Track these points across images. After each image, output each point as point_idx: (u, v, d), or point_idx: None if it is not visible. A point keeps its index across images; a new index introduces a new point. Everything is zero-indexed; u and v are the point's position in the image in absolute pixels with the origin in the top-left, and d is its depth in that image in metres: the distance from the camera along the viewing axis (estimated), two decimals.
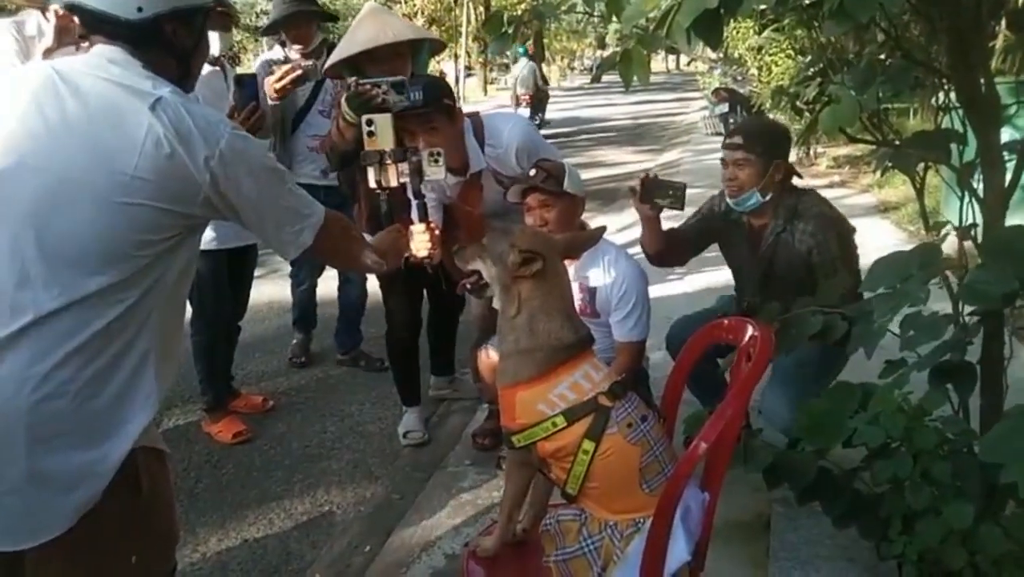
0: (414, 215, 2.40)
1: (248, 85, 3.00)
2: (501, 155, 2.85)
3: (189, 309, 3.25)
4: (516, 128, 2.91)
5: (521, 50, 14.58)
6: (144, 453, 1.42)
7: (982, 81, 1.79)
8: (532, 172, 2.54)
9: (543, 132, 14.57)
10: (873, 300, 1.81)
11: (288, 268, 4.26)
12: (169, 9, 1.42)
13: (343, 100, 2.57)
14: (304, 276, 4.13)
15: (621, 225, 7.08)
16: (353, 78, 2.53)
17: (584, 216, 2.74)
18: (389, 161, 2.22)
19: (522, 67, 13.94)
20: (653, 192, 2.54)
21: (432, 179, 2.38)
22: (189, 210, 1.39)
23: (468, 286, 1.94)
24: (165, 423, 3.60)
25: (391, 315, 3.33)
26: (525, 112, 13.11)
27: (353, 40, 2.79)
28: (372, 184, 2.25)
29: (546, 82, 15.71)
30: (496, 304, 1.85)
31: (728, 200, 2.65)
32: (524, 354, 1.77)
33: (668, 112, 18.15)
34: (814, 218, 2.53)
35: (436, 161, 2.33)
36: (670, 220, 2.76)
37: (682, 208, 2.56)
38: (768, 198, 2.55)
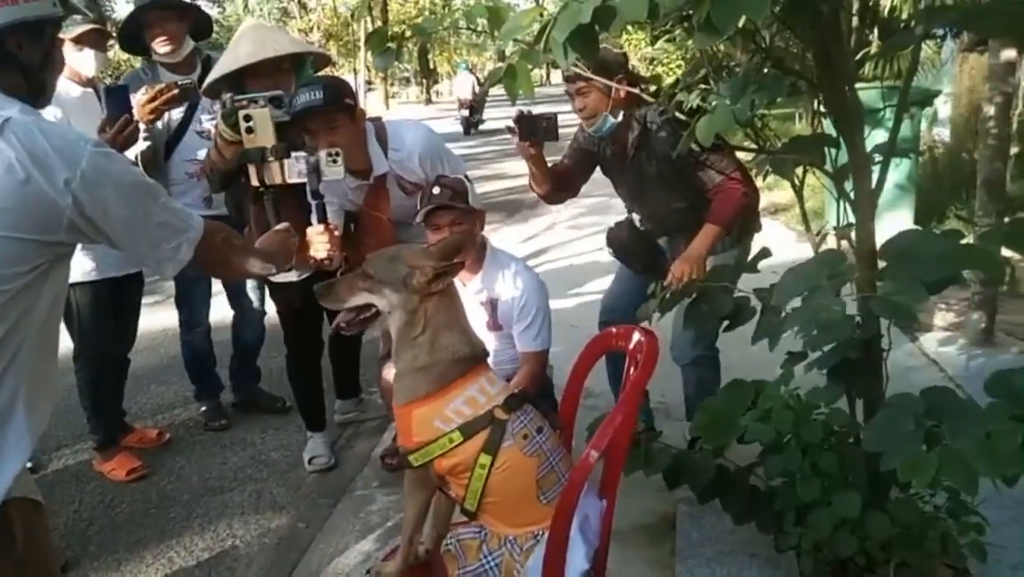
0: (313, 217, 2.35)
1: (118, 96, 2.75)
2: (404, 160, 2.82)
3: (70, 343, 3.12)
4: (418, 134, 2.89)
5: (463, 65, 21.31)
6: (17, 505, 1.32)
7: (846, 89, 1.87)
8: (436, 190, 2.50)
9: (479, 131, 16.36)
10: (788, 315, 1.87)
11: None
12: (8, 22, 1.32)
13: (219, 117, 2.49)
14: (197, 317, 3.60)
15: (525, 236, 7.16)
16: (229, 94, 2.46)
17: (489, 227, 2.75)
18: (271, 158, 2.15)
19: (463, 78, 18.97)
20: (528, 127, 2.57)
21: (331, 179, 2.33)
22: (53, 237, 1.30)
23: (343, 325, 1.88)
24: (54, 464, 3.42)
25: (290, 338, 3.24)
26: (465, 112, 17.88)
27: (234, 56, 2.72)
28: (254, 182, 2.18)
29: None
30: (392, 330, 1.81)
31: (588, 131, 2.71)
32: (421, 371, 1.75)
33: (569, 123, 18.37)
34: (664, 119, 2.58)
35: (335, 161, 2.28)
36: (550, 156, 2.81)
37: (556, 138, 2.60)
38: (621, 116, 2.59)
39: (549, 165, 2.79)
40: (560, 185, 2.85)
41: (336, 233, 2.28)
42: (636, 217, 2.94)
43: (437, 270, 1.75)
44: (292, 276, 2.98)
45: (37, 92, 1.42)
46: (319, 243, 2.27)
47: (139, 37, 3.25)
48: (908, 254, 1.75)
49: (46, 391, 1.40)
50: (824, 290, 1.79)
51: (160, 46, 3.21)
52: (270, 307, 3.71)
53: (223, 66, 2.71)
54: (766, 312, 1.96)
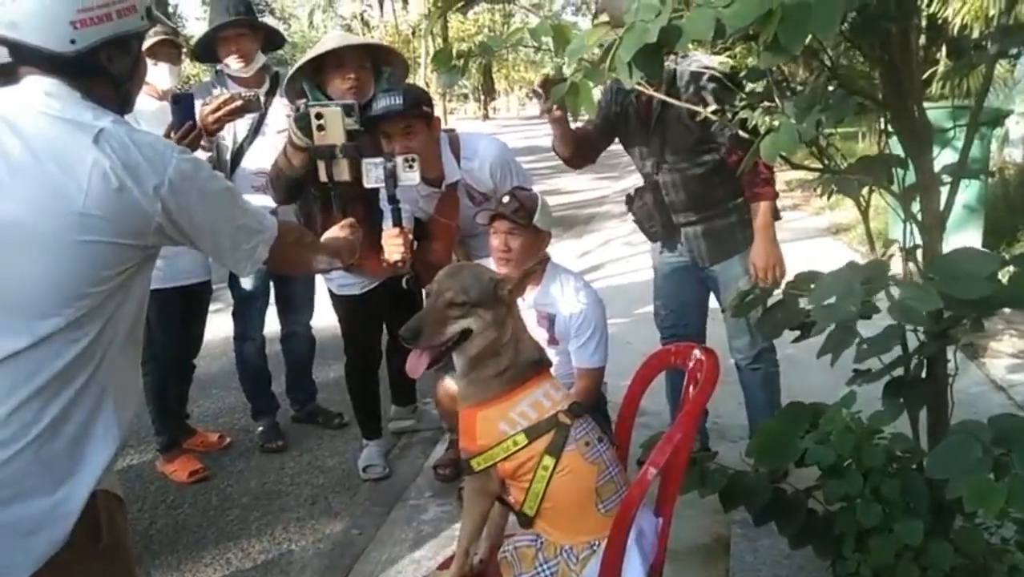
0: (387, 220, 2.45)
1: (184, 103, 2.77)
2: (475, 169, 2.89)
3: None
4: (491, 145, 2.97)
5: None
6: (105, 497, 1.38)
7: (914, 108, 1.84)
8: (506, 199, 2.54)
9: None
10: (813, 311, 1.85)
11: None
12: (103, 39, 1.37)
13: (291, 122, 2.57)
14: (250, 331, 3.61)
15: (580, 251, 7.16)
16: (302, 100, 2.54)
17: None
18: (340, 155, 2.22)
19: None
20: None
21: (406, 184, 2.41)
22: (142, 241, 1.35)
23: (428, 364, 1.78)
24: (119, 463, 3.48)
25: (350, 348, 3.30)
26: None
27: (321, 44, 2.87)
28: (323, 178, 2.24)
29: None
30: (475, 345, 1.77)
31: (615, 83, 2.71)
32: (498, 375, 1.77)
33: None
34: (692, 75, 2.58)
35: (411, 166, 2.38)
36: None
37: None
38: None
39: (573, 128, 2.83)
40: (581, 149, 2.88)
41: (409, 237, 2.33)
42: (645, 176, 2.93)
43: (523, 275, 1.80)
44: (355, 289, 3.06)
45: (123, 102, 1.48)
46: (393, 246, 2.37)
47: (212, 49, 3.32)
48: (954, 269, 1.71)
49: (132, 387, 1.47)
50: (854, 295, 1.76)
51: (232, 62, 3.29)
52: (316, 321, 3.78)
53: (309, 54, 2.84)
54: (837, 327, 1.93)
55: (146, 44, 3.01)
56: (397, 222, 2.44)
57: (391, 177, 2.34)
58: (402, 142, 2.64)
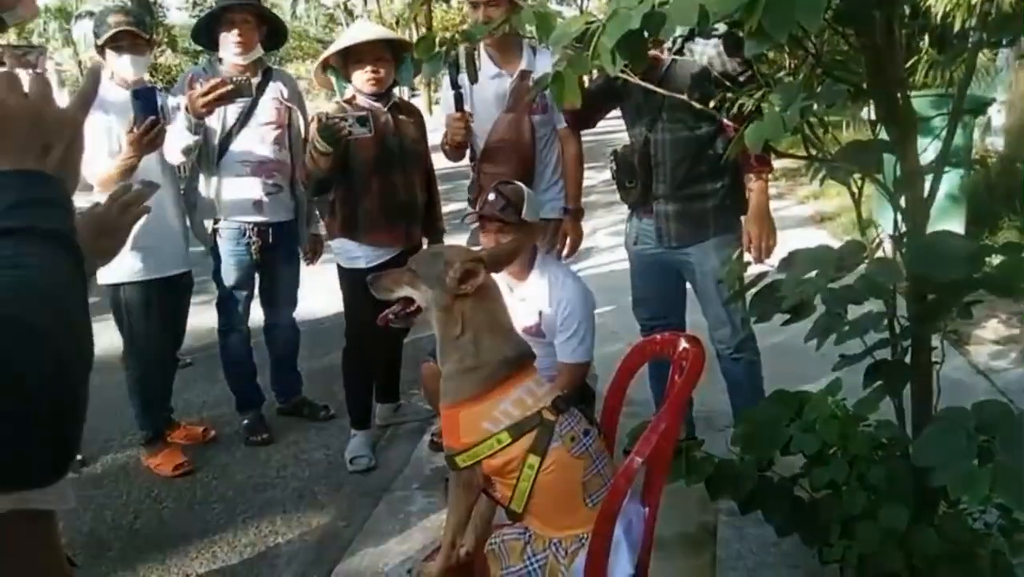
0: (449, 104, 2.87)
1: (145, 98, 2.68)
2: (544, 67, 2.88)
3: (119, 341, 3.19)
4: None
5: None
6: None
7: (898, 96, 1.84)
8: (491, 196, 2.51)
9: None
10: (778, 284, 1.86)
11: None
12: None
13: (315, 131, 2.80)
14: (233, 322, 3.53)
15: None
16: (323, 111, 2.87)
17: None
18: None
19: None
20: None
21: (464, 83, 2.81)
22: None
23: (392, 317, 1.96)
24: (103, 458, 3.51)
25: (351, 326, 3.27)
26: None
27: (344, 38, 3.15)
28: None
29: None
30: (434, 328, 1.84)
31: None
32: (468, 373, 1.76)
33: (614, 129, 18.27)
34: (711, 32, 2.53)
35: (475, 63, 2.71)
36: None
37: None
38: None
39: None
40: (584, 112, 2.79)
41: (470, 121, 2.79)
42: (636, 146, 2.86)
43: (464, 268, 1.76)
44: (360, 263, 3.07)
45: None
46: (456, 128, 2.78)
47: (211, 30, 3.25)
48: (930, 251, 1.72)
49: None
50: (825, 271, 1.76)
51: (231, 46, 3.20)
52: (301, 314, 3.77)
53: (333, 47, 3.11)
54: (828, 312, 1.93)
55: (107, 35, 2.98)
56: (459, 107, 2.80)
57: (453, 65, 2.65)
58: (486, 9, 2.84)
